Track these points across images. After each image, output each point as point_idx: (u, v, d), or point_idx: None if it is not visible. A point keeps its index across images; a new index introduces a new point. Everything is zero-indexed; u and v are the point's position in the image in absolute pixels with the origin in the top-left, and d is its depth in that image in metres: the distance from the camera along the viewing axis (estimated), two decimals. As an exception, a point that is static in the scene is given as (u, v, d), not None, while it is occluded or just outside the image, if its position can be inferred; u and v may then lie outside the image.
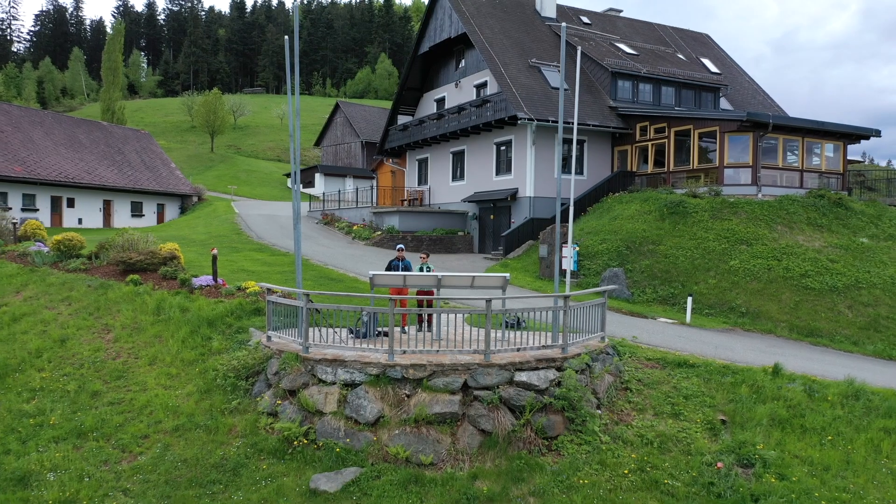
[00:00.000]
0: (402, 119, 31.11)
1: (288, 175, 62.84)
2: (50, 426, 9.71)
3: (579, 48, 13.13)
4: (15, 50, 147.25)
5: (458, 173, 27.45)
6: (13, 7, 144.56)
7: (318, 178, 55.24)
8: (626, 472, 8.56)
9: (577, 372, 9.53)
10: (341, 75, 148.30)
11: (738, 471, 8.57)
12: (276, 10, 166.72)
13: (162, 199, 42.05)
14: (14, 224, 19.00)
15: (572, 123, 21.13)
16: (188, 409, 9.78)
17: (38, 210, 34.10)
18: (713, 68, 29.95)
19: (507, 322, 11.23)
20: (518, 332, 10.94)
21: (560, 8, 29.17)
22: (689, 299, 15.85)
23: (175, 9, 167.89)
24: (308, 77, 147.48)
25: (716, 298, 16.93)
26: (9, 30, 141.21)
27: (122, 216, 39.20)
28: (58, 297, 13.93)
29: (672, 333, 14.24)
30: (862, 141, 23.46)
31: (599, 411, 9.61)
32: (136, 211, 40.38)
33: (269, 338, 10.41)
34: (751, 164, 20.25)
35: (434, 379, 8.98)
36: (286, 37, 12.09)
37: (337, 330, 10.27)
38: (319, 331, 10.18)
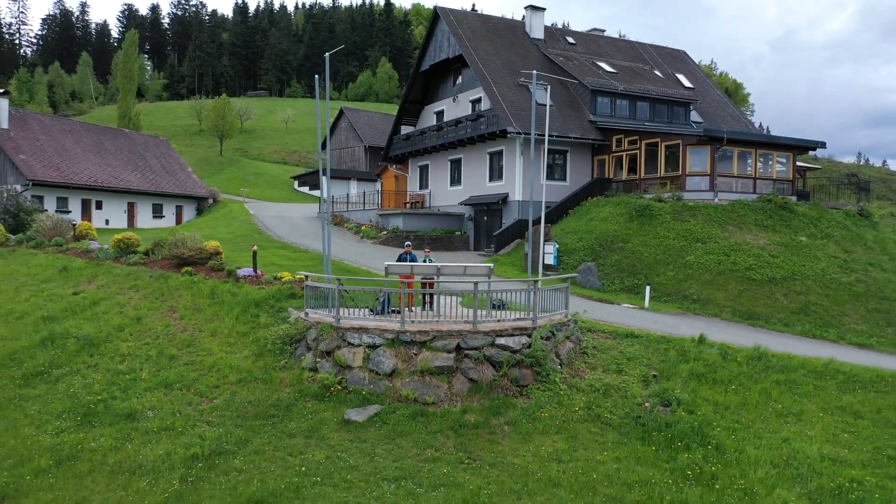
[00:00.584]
0: (405, 129, 34.15)
1: (295, 178, 65.81)
2: (142, 380, 12.72)
3: (548, 88, 16.12)
4: (23, 54, 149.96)
5: (455, 179, 30.47)
6: (22, 12, 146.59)
7: (326, 183, 58.23)
8: (577, 409, 11.57)
9: (543, 338, 12.54)
10: (343, 78, 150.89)
11: (660, 408, 11.59)
12: (279, 14, 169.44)
13: (180, 201, 45.05)
14: (74, 225, 22.01)
15: (555, 136, 24.28)
16: (247, 367, 12.79)
17: (70, 212, 37.09)
18: (687, 83, 33.00)
19: (492, 304, 14.23)
20: (500, 311, 13.95)
21: (548, 29, 32.26)
22: (648, 288, 18.88)
23: (179, 13, 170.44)
24: (311, 81, 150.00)
25: (673, 288, 19.95)
26: (18, 34, 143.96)
27: (144, 217, 42.22)
28: (126, 285, 16.95)
29: (631, 315, 17.27)
30: (810, 151, 26.42)
31: (560, 368, 12.63)
32: (157, 213, 43.39)
33: (307, 314, 13.42)
34: (709, 172, 23.30)
35: (435, 342, 11.99)
36: (317, 76, 15.06)
37: (358, 310, 13.27)
38: (345, 310, 13.18)
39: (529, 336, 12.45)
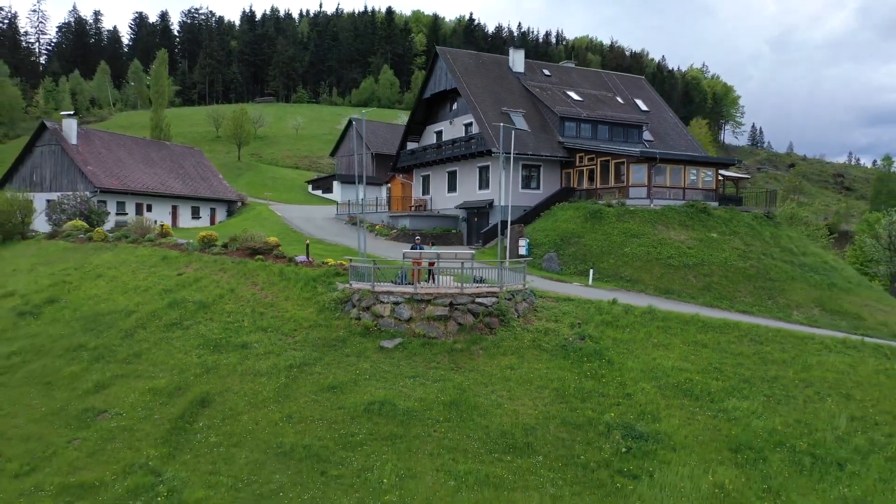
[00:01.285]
0: (411, 145, 40.86)
1: (309, 182, 72.53)
2: (245, 327, 19.42)
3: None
4: (41, 62, 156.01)
5: (451, 187, 37.21)
6: (41, 22, 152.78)
7: (336, 186, 65.05)
8: (525, 341, 18.29)
9: (506, 299, 19.25)
10: (347, 84, 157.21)
11: (578, 341, 18.31)
12: (285, 22, 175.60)
13: (213, 204, 51.75)
14: (162, 225, 28.72)
15: (529, 154, 31.02)
16: (313, 318, 19.50)
17: (126, 214, 43.79)
18: (644, 107, 39.75)
19: (474, 279, 20.89)
20: (479, 283, 20.64)
21: (528, 64, 38.98)
22: (591, 271, 25.63)
23: (189, 21, 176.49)
24: (316, 87, 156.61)
25: (612, 271, 26.69)
26: (38, 43, 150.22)
27: (184, 218, 48.89)
28: (215, 268, 23.66)
29: (576, 290, 23.98)
30: (730, 167, 33.08)
31: (517, 318, 19.35)
32: (195, 214, 50.08)
33: (351, 284, 20.12)
34: (646, 184, 30.02)
35: (436, 300, 18.69)
36: (354, 122, 21.66)
37: (384, 282, 20.02)
38: (377, 282, 19.85)
39: (497, 297, 19.18)
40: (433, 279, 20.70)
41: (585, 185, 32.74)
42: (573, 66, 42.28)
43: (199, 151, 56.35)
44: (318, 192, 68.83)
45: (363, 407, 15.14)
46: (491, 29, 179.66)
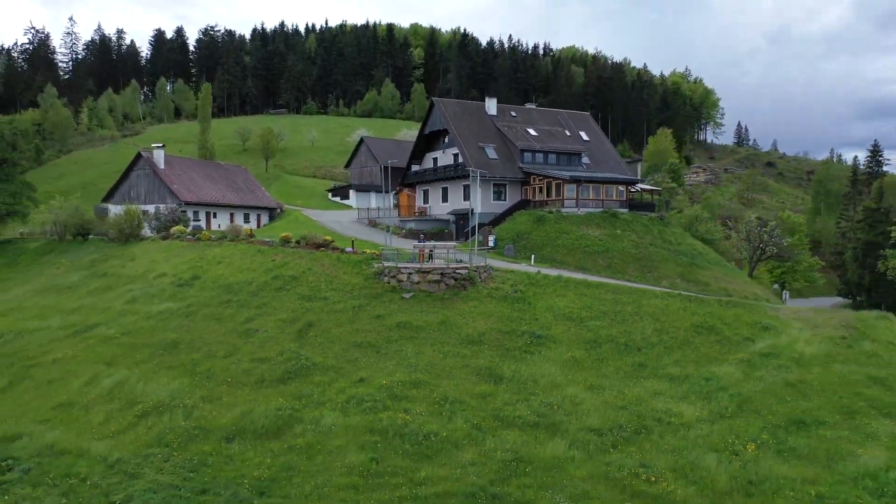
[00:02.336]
0: (415, 167, 54.60)
1: (329, 190, 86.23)
2: (322, 289, 33.14)
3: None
4: (72, 80, 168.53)
5: (444, 199, 50.97)
6: (74, 43, 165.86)
7: (353, 194, 78.82)
8: (484, 294, 32.06)
9: (473, 271, 33.04)
10: (352, 96, 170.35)
11: (513, 293, 32.08)
12: (293, 38, 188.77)
13: (259, 211, 65.46)
14: (252, 229, 42.45)
15: (498, 177, 44.91)
16: (360, 283, 33.24)
17: (200, 220, 57.50)
18: (586, 137, 53.51)
19: (456, 259, 34.52)
20: (459, 262, 34.36)
21: (500, 107, 52.72)
22: (533, 256, 39.44)
23: (205, 38, 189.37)
24: (324, 98, 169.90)
25: (548, 257, 40.46)
26: (71, 63, 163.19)
27: (238, 222, 62.53)
28: (295, 256, 37.40)
29: (522, 268, 37.71)
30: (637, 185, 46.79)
31: (481, 281, 33.13)
32: (246, 219, 63.78)
33: (383, 264, 33.89)
34: (575, 197, 43.81)
35: (433, 271, 32.48)
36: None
37: (403, 263, 33.78)
38: (400, 263, 33.58)
39: (468, 269, 32.95)
40: (431, 259, 34.45)
41: (536, 198, 46.51)
42: (534, 107, 55.98)
43: (245, 169, 70.11)
44: (337, 199, 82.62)
45: (395, 324, 28.93)
46: (484, 41, 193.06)
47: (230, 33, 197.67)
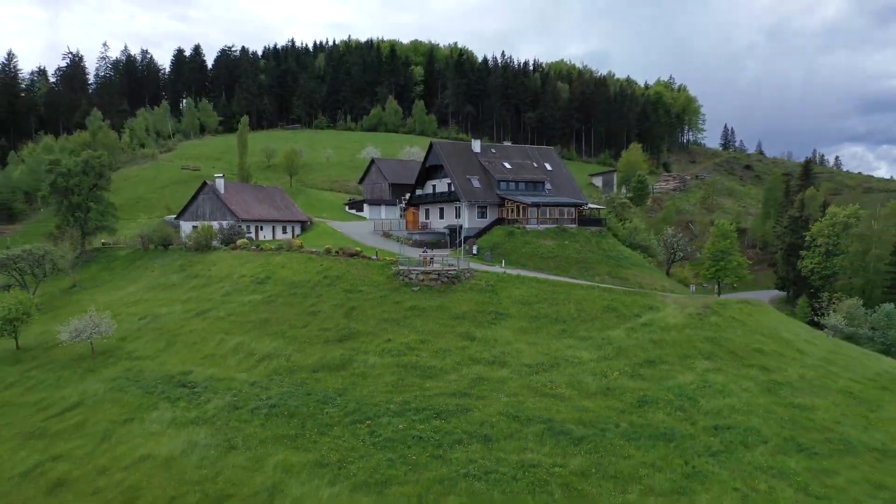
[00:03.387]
0: (418, 192, 70.06)
1: (346, 203, 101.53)
2: (358, 285, 48.63)
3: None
4: (101, 100, 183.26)
5: (441, 216, 66.45)
6: (108, 67, 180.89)
7: (366, 207, 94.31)
8: (466, 287, 47.55)
9: (460, 271, 48.53)
10: (359, 112, 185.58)
11: (486, 287, 47.55)
12: (304, 57, 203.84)
13: (294, 224, 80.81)
14: (301, 244, 57.89)
15: (480, 201, 60.85)
16: (385, 281, 48.68)
17: (251, 233, 72.87)
18: (549, 167, 68.90)
19: (448, 264, 49.89)
20: (450, 266, 49.82)
21: (483, 146, 68.07)
22: (503, 261, 54.99)
23: (223, 57, 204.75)
24: (334, 114, 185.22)
25: (515, 261, 55.93)
26: (108, 84, 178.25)
27: (278, 234, 77.95)
28: (335, 262, 52.84)
29: (495, 269, 53.17)
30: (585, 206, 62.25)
31: (465, 279, 48.61)
32: (284, 231, 79.13)
33: (399, 265, 49.38)
34: (536, 217, 59.26)
35: (433, 272, 47.97)
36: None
37: (412, 266, 49.21)
38: (410, 267, 49.06)
39: (457, 271, 48.45)
40: (432, 263, 49.94)
41: (509, 217, 61.95)
42: (510, 144, 71.28)
43: (282, 190, 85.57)
44: (353, 211, 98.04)
45: (408, 307, 44.41)
46: (480, 50, 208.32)
47: (244, 50, 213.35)
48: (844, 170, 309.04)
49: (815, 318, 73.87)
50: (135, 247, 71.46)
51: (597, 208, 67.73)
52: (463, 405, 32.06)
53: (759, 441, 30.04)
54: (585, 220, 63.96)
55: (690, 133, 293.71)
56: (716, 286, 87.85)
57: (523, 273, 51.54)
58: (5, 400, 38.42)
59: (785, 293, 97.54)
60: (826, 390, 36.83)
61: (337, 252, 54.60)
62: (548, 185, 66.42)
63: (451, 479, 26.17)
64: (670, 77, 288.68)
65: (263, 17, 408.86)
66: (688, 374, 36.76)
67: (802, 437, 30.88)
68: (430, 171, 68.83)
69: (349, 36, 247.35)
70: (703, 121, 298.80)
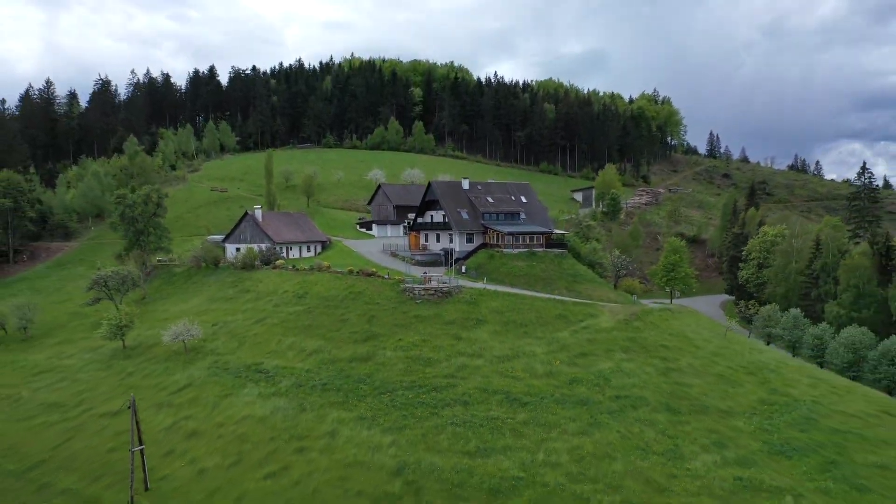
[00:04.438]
0: (419, 220, 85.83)
1: (357, 222, 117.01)
2: (376, 298, 64.33)
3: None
4: (129, 119, 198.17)
5: (437, 240, 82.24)
6: (137, 93, 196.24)
7: (375, 227, 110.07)
8: (457, 299, 63.30)
9: (452, 287, 64.29)
10: (363, 131, 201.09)
11: (470, 300, 63.30)
12: (313, 81, 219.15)
13: (315, 244, 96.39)
14: (328, 265, 73.55)
15: (468, 230, 77.01)
16: (395, 295, 64.38)
17: (282, 253, 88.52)
18: (525, 200, 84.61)
19: (442, 281, 65.54)
20: (445, 283, 65.52)
21: (471, 184, 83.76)
22: (485, 278, 70.79)
23: (235, 77, 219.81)
24: (340, 133, 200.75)
25: (494, 278, 71.66)
26: (134, 109, 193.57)
27: (304, 253, 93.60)
28: (356, 280, 68.49)
29: (479, 286, 68.93)
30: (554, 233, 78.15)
31: (457, 293, 64.42)
32: (308, 250, 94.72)
33: (405, 283, 65.11)
34: (512, 243, 75.01)
35: (431, 288, 63.71)
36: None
37: (416, 284, 64.94)
38: (414, 284, 64.77)
39: (449, 286, 64.21)
40: (431, 282, 65.66)
41: (491, 242, 77.71)
42: (493, 181, 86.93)
43: (305, 215, 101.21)
44: (363, 230, 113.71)
45: (413, 316, 60.15)
46: (474, 74, 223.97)
47: (255, 69, 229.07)
48: (825, 176, 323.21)
49: (744, 319, 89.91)
50: (188, 265, 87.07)
51: (561, 233, 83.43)
52: (451, 383, 47.90)
53: (643, 405, 45.89)
54: (552, 243, 79.58)
55: (673, 142, 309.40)
56: (670, 292, 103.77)
57: (499, 289, 67.28)
58: (132, 383, 54.25)
59: (733, 297, 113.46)
60: (705, 374, 52.61)
61: (358, 272, 70.31)
62: (522, 216, 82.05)
63: (442, 426, 42.00)
64: (654, 90, 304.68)
65: (262, 17, 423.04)
66: (608, 363, 52.56)
67: (674, 403, 46.71)
68: (428, 203, 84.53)
69: (352, 53, 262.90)
70: (685, 131, 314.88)
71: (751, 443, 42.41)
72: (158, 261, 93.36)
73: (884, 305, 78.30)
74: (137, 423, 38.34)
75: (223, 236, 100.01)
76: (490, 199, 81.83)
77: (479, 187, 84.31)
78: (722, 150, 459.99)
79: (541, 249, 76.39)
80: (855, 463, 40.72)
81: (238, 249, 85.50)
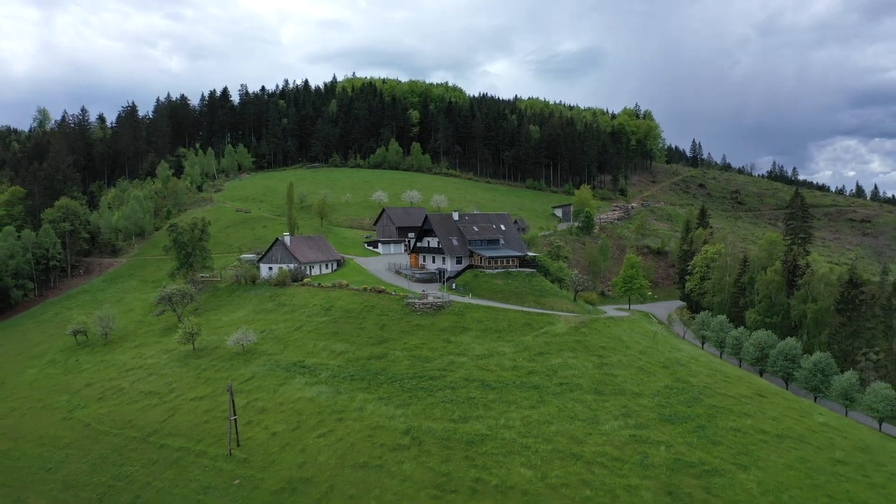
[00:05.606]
0: (418, 244, 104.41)
1: (365, 241, 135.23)
2: (386, 312, 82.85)
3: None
4: (154, 141, 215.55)
5: (433, 261, 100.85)
6: (160, 117, 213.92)
7: (380, 245, 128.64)
8: (448, 312, 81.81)
9: (444, 301, 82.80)
10: (366, 151, 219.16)
11: (457, 312, 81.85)
12: (319, 103, 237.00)
13: (333, 263, 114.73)
14: (346, 283, 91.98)
15: (458, 255, 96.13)
16: (399, 308, 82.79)
17: (306, 271, 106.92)
18: (503, 228, 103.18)
19: (436, 297, 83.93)
20: (440, 298, 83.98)
21: (460, 215, 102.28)
22: (470, 294, 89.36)
23: (245, 99, 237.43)
24: (345, 153, 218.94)
25: (478, 294, 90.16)
26: (158, 131, 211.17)
27: (323, 270, 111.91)
28: (369, 296, 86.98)
29: (465, 300, 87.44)
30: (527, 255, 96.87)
31: (448, 306, 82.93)
32: (327, 268, 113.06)
33: (409, 298, 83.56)
34: (492, 264, 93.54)
35: (428, 303, 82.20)
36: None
37: (416, 298, 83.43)
38: (416, 299, 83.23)
39: (443, 301, 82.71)
40: (428, 297, 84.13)
41: (476, 263, 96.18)
42: (478, 213, 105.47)
43: (323, 237, 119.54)
44: (371, 248, 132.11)
45: (414, 324, 78.65)
46: (467, 96, 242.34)
47: (263, 89, 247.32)
48: (803, 178, 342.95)
49: (686, 324, 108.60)
50: (230, 281, 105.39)
51: (533, 256, 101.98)
52: (442, 374, 66.50)
53: (578, 389, 64.53)
54: (525, 263, 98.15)
55: (653, 154, 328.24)
56: (628, 300, 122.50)
57: (481, 302, 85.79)
58: (208, 376, 72.66)
59: (684, 304, 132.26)
60: (630, 367, 71.24)
61: (370, 289, 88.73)
62: (501, 241, 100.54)
63: (435, 403, 60.62)
64: (636, 105, 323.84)
65: (258, 15, 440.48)
66: (558, 359, 71.14)
67: (601, 388, 65.36)
68: (426, 231, 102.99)
69: (353, 73, 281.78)
70: (663, 145, 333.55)
71: (649, 414, 61.04)
72: (202, 277, 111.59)
73: (788, 312, 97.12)
74: (233, 400, 56.85)
75: (253, 255, 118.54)
76: (475, 228, 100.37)
77: (467, 218, 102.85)
78: (705, 156, 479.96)
79: (515, 269, 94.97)
80: (717, 427, 59.40)
81: (270, 269, 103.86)
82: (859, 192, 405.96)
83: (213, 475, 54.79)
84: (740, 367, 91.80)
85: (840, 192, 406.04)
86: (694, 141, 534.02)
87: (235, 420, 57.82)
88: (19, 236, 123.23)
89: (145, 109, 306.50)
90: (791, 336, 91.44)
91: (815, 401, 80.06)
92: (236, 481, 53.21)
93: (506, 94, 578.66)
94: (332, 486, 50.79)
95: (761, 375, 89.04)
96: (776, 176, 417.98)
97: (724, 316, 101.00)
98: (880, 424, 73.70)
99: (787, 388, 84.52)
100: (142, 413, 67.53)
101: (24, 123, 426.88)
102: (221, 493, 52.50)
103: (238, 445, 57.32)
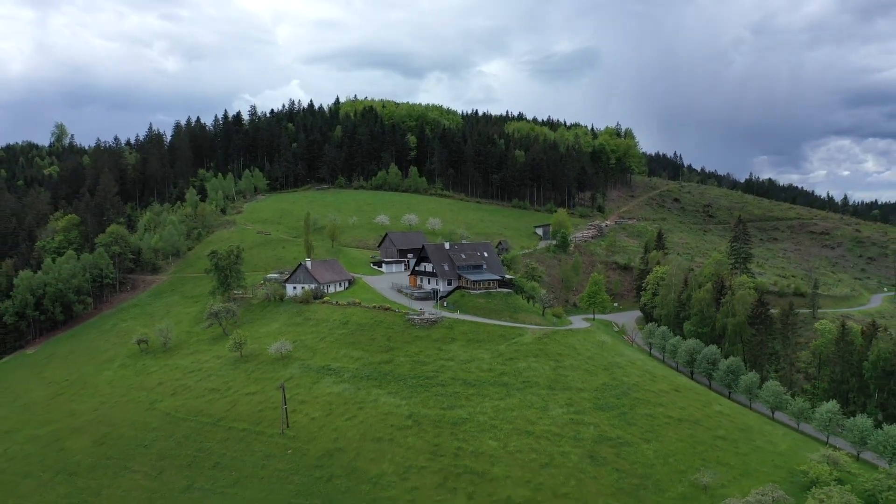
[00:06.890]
0: (417, 268, 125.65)
1: (370, 262, 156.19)
2: (392, 326, 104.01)
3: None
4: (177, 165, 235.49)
5: (429, 283, 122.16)
6: (181, 140, 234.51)
7: (384, 265, 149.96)
8: (440, 326, 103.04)
9: (438, 317, 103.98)
10: (368, 173, 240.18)
11: (448, 327, 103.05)
12: (325, 129, 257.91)
13: (345, 282, 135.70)
14: (358, 301, 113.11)
15: (449, 278, 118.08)
16: (402, 322, 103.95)
17: (323, 289, 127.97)
18: (486, 255, 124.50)
19: (430, 312, 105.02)
20: (435, 314, 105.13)
21: (450, 244, 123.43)
22: (458, 310, 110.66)
23: (255, 122, 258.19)
24: (350, 175, 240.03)
25: (466, 310, 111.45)
26: (180, 156, 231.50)
27: (337, 288, 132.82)
28: (378, 313, 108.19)
29: (454, 316, 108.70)
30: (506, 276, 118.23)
31: (441, 321, 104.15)
32: (340, 286, 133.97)
33: (409, 316, 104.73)
34: (476, 286, 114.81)
35: (425, 319, 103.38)
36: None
37: (416, 315, 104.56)
38: (416, 315, 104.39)
39: (437, 317, 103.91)
40: (424, 313, 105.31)
41: (463, 285, 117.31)
42: (466, 242, 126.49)
43: (335, 260, 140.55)
44: (375, 267, 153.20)
45: (413, 336, 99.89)
46: (460, 111, 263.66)
47: (273, 112, 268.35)
48: (787, 184, 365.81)
49: (635, 334, 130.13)
50: (261, 299, 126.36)
51: (510, 277, 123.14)
52: (435, 375, 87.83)
53: (536, 386, 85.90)
54: (504, 284, 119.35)
55: (632, 170, 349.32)
56: (593, 312, 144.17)
57: (467, 318, 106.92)
58: (256, 377, 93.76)
59: (645, 316, 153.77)
60: (578, 369, 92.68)
61: (378, 307, 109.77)
62: (484, 266, 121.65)
63: (430, 396, 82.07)
64: (617, 124, 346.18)
65: (253, 15, 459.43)
66: (523, 363, 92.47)
67: (554, 385, 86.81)
68: (422, 257, 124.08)
69: (355, 95, 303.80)
70: (641, 160, 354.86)
71: (587, 404, 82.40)
72: (235, 294, 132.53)
73: (715, 325, 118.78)
74: (284, 395, 78.03)
75: (276, 274, 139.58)
76: (463, 255, 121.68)
77: (456, 247, 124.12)
78: (686, 164, 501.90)
79: (495, 290, 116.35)
80: (635, 413, 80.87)
81: (295, 288, 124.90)
82: (831, 202, 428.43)
83: (271, 447, 75.98)
84: (677, 369, 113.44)
85: (814, 201, 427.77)
86: (675, 153, 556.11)
87: (286, 409, 78.93)
88: (78, 258, 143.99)
89: (146, 109, 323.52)
90: (716, 344, 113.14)
91: (729, 396, 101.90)
92: (289, 451, 74.40)
93: (501, 94, 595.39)
94: (358, 453, 72.05)
95: (692, 376, 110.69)
96: (750, 186, 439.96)
97: (667, 327, 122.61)
98: (773, 413, 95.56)
99: (710, 386, 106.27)
100: (209, 405, 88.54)
101: (22, 124, 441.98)
102: (279, 459, 73.70)
103: (288, 427, 78.43)
